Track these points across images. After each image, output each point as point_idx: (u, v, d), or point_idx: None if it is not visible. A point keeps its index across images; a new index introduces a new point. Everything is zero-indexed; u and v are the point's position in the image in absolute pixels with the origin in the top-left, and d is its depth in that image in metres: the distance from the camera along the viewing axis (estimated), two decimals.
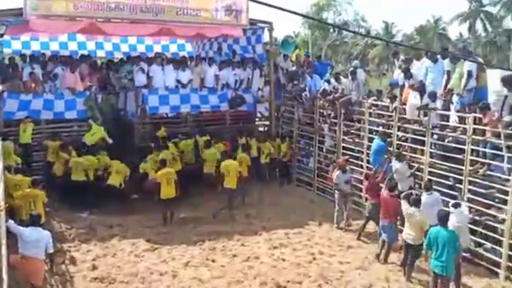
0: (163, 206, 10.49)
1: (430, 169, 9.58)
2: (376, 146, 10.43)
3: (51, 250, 7.07)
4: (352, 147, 11.88)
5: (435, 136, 9.73)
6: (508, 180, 8.07)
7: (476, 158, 8.74)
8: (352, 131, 11.97)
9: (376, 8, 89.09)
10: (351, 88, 11.90)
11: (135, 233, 9.95)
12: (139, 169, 11.51)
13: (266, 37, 14.45)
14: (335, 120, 12.31)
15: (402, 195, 8.49)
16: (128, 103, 13.57)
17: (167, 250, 9.27)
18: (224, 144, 12.85)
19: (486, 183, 8.58)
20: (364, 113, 11.42)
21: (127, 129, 13.22)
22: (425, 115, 9.75)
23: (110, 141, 12.07)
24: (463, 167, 8.84)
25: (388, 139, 10.48)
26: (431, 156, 9.65)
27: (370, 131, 11.25)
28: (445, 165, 9.30)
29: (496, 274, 8.23)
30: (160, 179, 10.36)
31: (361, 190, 11.19)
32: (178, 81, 13.59)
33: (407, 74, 10.48)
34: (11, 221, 6.89)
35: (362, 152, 11.46)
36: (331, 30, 52.44)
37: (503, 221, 8.23)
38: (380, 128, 11.04)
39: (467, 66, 9.19)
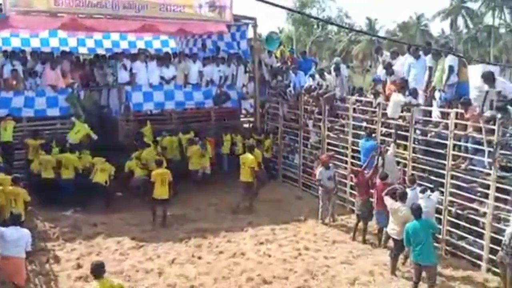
0: (155, 206, 10.36)
1: (414, 164, 9.70)
2: (368, 146, 10.37)
3: (29, 248, 7.03)
4: (337, 143, 11.95)
5: (417, 132, 9.84)
6: (489, 174, 8.21)
7: (458, 153, 8.87)
8: (337, 127, 12.04)
9: (359, 5, 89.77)
10: (335, 84, 11.98)
11: (120, 231, 9.85)
12: (124, 167, 11.40)
13: (250, 33, 14.41)
14: (320, 116, 12.37)
15: (384, 192, 8.52)
16: (112, 100, 13.44)
17: (152, 248, 9.21)
18: (209, 141, 12.83)
19: (468, 177, 8.72)
20: (348, 109, 11.50)
21: (111, 126, 13.09)
22: (408, 110, 9.85)
23: (95, 137, 11.94)
24: (446, 162, 8.97)
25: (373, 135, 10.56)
26: (414, 151, 9.78)
27: (354, 127, 11.32)
28: (428, 160, 9.42)
29: (479, 267, 8.37)
30: (154, 178, 10.26)
31: (345, 186, 11.30)
32: (162, 77, 13.49)
33: (389, 70, 10.58)
34: None
35: (347, 148, 11.53)
36: (315, 26, 52.66)
37: (484, 214, 8.37)
38: (364, 124, 11.11)
39: (448, 61, 9.30)
